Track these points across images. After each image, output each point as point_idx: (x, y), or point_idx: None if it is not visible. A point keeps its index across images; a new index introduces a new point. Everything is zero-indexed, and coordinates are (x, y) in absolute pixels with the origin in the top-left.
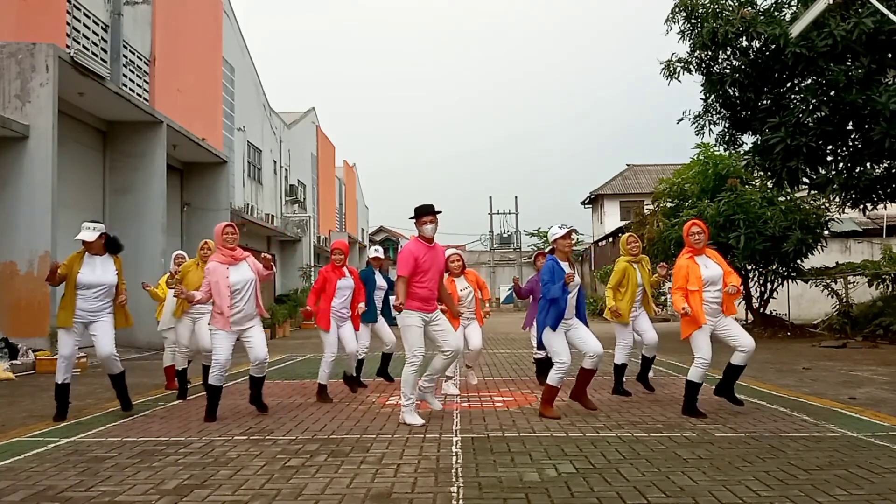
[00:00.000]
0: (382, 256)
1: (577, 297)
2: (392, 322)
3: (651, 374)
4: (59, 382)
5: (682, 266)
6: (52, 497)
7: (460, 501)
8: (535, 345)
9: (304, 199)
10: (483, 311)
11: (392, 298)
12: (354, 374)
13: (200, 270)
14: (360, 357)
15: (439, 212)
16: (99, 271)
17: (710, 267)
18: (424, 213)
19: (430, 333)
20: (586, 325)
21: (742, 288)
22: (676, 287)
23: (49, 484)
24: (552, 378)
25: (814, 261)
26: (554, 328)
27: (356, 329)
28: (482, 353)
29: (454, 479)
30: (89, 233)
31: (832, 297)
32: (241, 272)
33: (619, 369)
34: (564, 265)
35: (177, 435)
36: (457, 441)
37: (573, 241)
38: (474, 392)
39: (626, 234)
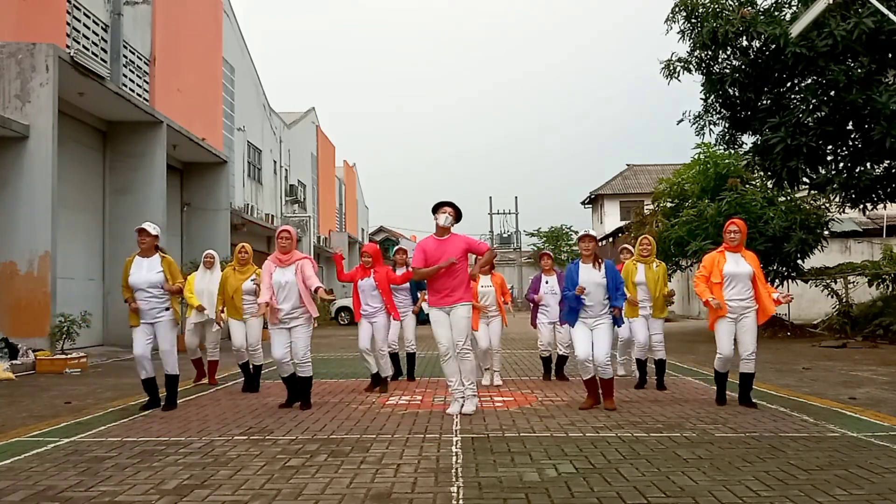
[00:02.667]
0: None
1: (611, 294)
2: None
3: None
4: (142, 379)
5: (711, 256)
6: (52, 497)
7: (460, 501)
8: (539, 344)
9: (304, 199)
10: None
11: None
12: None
13: (237, 274)
14: (408, 351)
15: (458, 209)
16: (144, 272)
17: (740, 264)
18: (439, 205)
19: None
20: (618, 323)
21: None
22: (699, 275)
23: (49, 484)
24: (581, 374)
25: (814, 261)
26: (572, 325)
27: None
28: (495, 355)
29: (454, 479)
30: (148, 225)
31: (832, 297)
32: (285, 274)
33: (639, 364)
34: (587, 267)
35: (177, 435)
36: (457, 441)
37: (589, 245)
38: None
39: (641, 237)
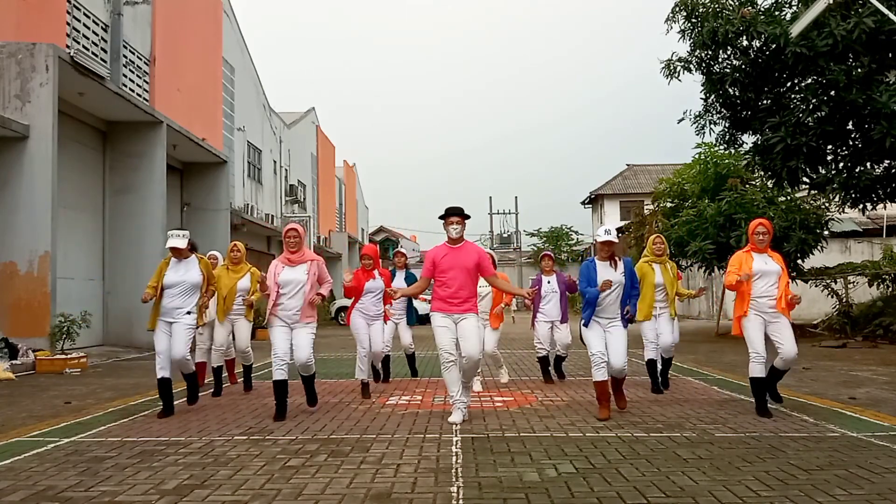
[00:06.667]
0: (403, 252)
1: (622, 296)
2: (412, 323)
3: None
4: (159, 378)
5: (737, 256)
6: (52, 497)
7: (460, 501)
8: (536, 343)
9: (304, 199)
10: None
11: (416, 302)
12: (379, 370)
13: (231, 273)
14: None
15: (468, 216)
16: (182, 271)
17: (769, 263)
18: (450, 214)
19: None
20: (626, 324)
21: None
22: (729, 272)
23: (49, 484)
24: (594, 374)
25: (814, 261)
26: (586, 325)
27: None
28: (495, 356)
29: (454, 479)
30: (179, 240)
31: (832, 297)
32: (294, 273)
33: (649, 365)
34: (604, 265)
35: (177, 435)
36: (457, 441)
37: (610, 246)
38: (473, 393)
39: (654, 235)
